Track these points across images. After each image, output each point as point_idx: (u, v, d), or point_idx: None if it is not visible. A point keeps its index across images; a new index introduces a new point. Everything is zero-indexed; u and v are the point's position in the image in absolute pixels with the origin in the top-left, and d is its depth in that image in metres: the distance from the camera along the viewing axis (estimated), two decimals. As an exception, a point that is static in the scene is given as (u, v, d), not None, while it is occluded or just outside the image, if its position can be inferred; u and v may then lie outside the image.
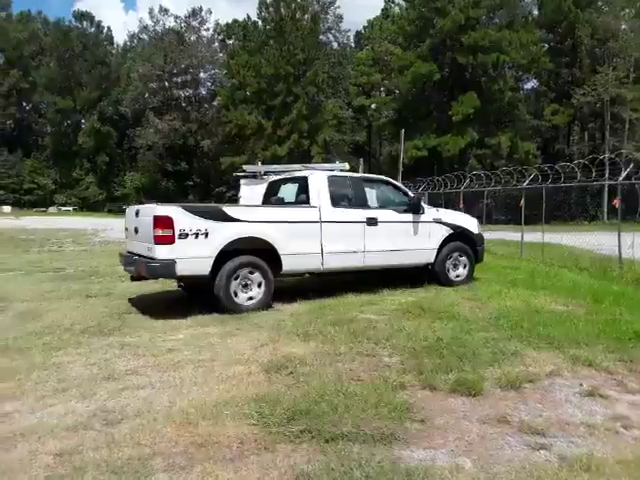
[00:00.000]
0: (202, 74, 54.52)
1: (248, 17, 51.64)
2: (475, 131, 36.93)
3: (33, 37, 56.82)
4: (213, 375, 3.91)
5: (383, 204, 7.43)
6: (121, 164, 57.24)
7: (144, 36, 56.24)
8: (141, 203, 7.22)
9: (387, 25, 51.12)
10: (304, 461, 2.62)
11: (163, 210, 5.69)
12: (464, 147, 36.97)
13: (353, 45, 57.16)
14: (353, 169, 11.72)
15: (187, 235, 5.66)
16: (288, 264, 6.30)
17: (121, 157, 58.03)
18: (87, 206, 53.55)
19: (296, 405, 3.19)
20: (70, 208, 52.04)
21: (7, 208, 46.67)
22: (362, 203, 7.03)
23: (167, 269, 5.61)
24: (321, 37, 47.36)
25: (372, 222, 6.93)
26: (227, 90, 48.31)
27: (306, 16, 44.65)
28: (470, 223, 8.06)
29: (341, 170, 11.24)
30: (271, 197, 7.79)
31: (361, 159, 20.43)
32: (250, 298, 6.06)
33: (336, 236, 6.66)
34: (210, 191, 48.86)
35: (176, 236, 5.59)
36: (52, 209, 50.90)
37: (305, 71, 42.97)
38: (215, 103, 53.17)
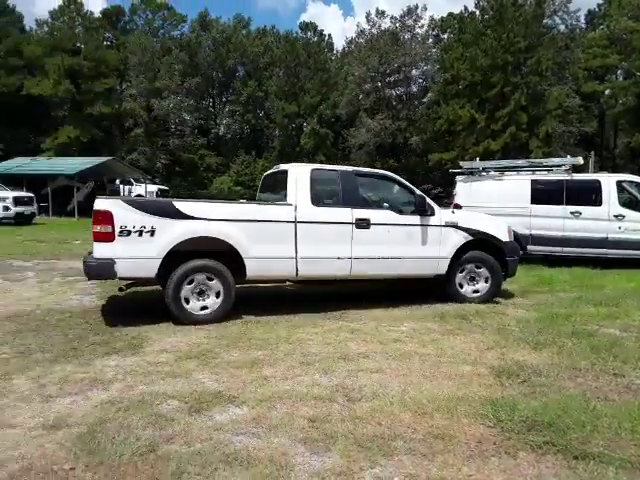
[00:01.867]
0: (414, 71, 54.94)
1: (465, 8, 50.15)
2: None
3: (267, 50, 64.60)
4: (440, 370, 3.96)
5: (380, 204, 6.39)
6: (336, 162, 61.53)
7: (360, 40, 59.12)
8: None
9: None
10: (551, 473, 2.49)
11: (102, 204, 5.08)
12: None
13: (584, 26, 50.82)
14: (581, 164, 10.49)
15: (129, 232, 5.03)
16: (253, 269, 5.53)
17: (336, 156, 62.36)
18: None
19: (536, 415, 3.03)
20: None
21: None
22: (352, 202, 5.99)
23: (104, 269, 5.00)
24: (545, 21, 43.30)
25: (363, 224, 5.92)
26: (439, 85, 47.82)
27: (529, 1, 41.33)
28: (498, 229, 6.68)
29: (572, 165, 10.20)
30: (261, 193, 7.33)
31: (592, 152, 18.12)
32: (204, 307, 5.35)
33: (315, 239, 5.75)
34: (416, 187, 49.21)
35: (116, 233, 4.99)
36: (277, 203, 57.40)
37: (526, 59, 39.88)
38: (425, 100, 53.14)
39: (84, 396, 3.39)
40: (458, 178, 11.07)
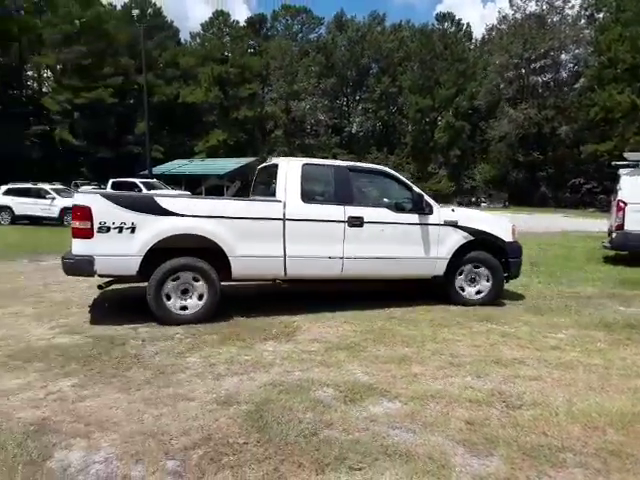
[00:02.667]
0: (563, 56, 50.34)
1: (625, -19, 44.50)
2: None
3: (401, 45, 63.89)
4: (610, 383, 3.61)
5: (375, 201, 6.08)
6: (472, 157, 58.90)
7: (502, 26, 55.70)
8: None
9: None
10: None
11: (81, 199, 5.01)
12: None
13: None
14: None
15: (109, 229, 4.86)
16: (239, 268, 5.27)
17: (472, 150, 59.70)
18: (439, 198, 57.22)
19: None
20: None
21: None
22: (345, 199, 5.64)
23: (83, 266, 4.85)
24: None
25: (356, 222, 5.58)
26: (593, 70, 43.13)
27: None
28: (500, 228, 6.30)
29: None
30: (254, 187, 6.94)
31: None
32: (185, 308, 5.12)
33: (305, 238, 5.46)
34: (564, 182, 45.08)
35: (95, 229, 4.83)
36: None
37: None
38: (577, 86, 48.31)
39: (249, 377, 3.70)
40: (622, 171, 9.87)
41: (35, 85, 52.90)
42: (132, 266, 4.94)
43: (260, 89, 57.75)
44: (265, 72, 57.00)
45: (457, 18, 63.71)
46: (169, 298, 5.07)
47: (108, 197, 5.02)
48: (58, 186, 19.30)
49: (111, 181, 20.40)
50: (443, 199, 55.69)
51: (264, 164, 6.67)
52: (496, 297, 6.23)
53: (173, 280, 5.06)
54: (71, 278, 6.13)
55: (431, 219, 5.93)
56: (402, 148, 63.86)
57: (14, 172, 33.43)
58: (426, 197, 5.95)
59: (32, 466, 2.45)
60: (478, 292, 6.18)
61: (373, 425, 2.94)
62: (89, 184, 31.08)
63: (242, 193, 27.87)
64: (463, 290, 6.15)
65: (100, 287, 5.67)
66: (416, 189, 6.00)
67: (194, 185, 26.35)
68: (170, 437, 2.76)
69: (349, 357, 4.13)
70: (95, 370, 3.76)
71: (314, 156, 57.12)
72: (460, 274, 6.11)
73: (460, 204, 51.07)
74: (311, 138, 58.23)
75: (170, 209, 5.05)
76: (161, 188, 21.28)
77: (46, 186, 18.37)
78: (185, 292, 5.14)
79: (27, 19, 47.47)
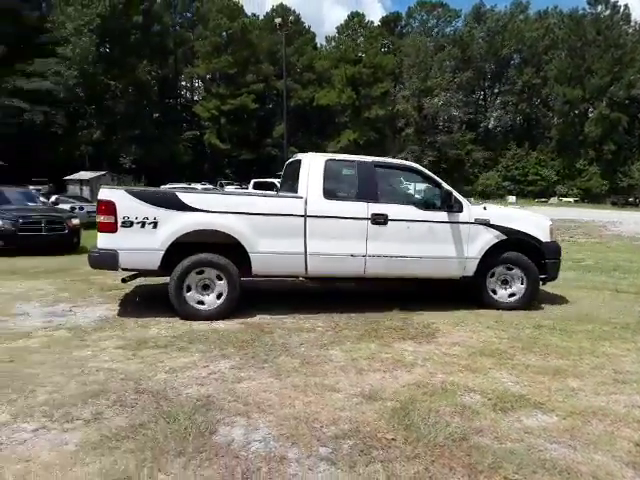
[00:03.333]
0: None
1: None
2: None
3: (547, 33, 59.09)
4: None
5: (401, 198, 5.94)
6: (629, 152, 52.46)
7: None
8: None
9: None
10: None
11: (106, 194, 5.01)
12: None
13: None
14: None
15: (132, 224, 4.94)
16: (259, 265, 5.21)
17: (629, 144, 53.18)
18: (589, 197, 52.13)
19: None
20: (571, 199, 52.01)
21: (512, 198, 51.33)
22: (370, 196, 5.49)
23: (107, 260, 4.96)
24: None
25: (379, 220, 5.43)
26: None
27: None
28: (537, 227, 5.95)
29: None
30: (282, 183, 6.81)
31: None
32: (201, 302, 5.14)
33: (327, 235, 5.34)
34: None
35: (119, 224, 4.92)
36: (553, 200, 52.33)
37: None
38: None
39: (391, 374, 3.71)
40: None
41: (187, 94, 58.72)
42: (154, 260, 5.03)
43: (392, 87, 57.55)
44: (398, 70, 56.68)
45: (612, 0, 57.18)
46: (189, 290, 5.13)
47: (131, 192, 5.12)
48: (207, 185, 21.23)
49: (253, 181, 21.85)
50: (594, 199, 50.65)
51: (290, 159, 6.57)
52: (531, 300, 5.87)
53: (197, 273, 5.14)
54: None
55: (461, 217, 5.68)
56: (546, 143, 59.19)
57: (170, 173, 37.57)
58: (455, 194, 5.67)
59: (201, 438, 2.72)
60: (511, 295, 5.85)
61: (528, 437, 2.78)
62: (232, 184, 33.66)
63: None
64: (495, 293, 5.84)
65: (124, 280, 5.72)
66: (445, 186, 5.70)
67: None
68: (320, 424, 2.88)
69: (496, 364, 3.95)
70: (249, 355, 4.06)
71: (446, 154, 55.47)
72: (492, 276, 5.80)
73: (615, 204, 45.82)
74: (443, 135, 56.57)
75: (191, 205, 5.10)
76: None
77: (198, 186, 20.33)
78: (205, 288, 5.20)
79: (181, 33, 52.90)
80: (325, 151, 48.73)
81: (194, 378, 3.58)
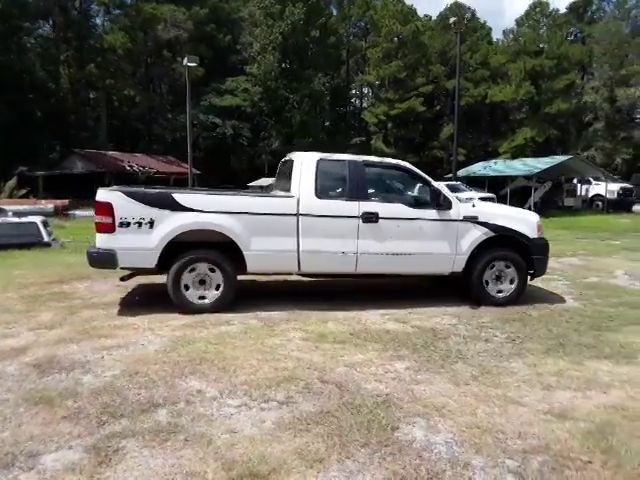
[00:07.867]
0: None
1: None
2: None
3: None
4: None
5: (392, 196, 6.00)
6: None
7: None
8: None
9: None
10: None
11: (103, 195, 5.16)
12: None
13: None
14: None
15: (129, 224, 5.11)
16: (253, 263, 5.39)
17: None
18: None
19: None
20: None
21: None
22: (360, 194, 5.60)
23: (106, 259, 5.15)
24: None
25: (370, 218, 5.51)
26: None
27: None
28: (524, 224, 5.96)
29: None
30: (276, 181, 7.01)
31: None
32: (202, 297, 5.34)
33: (319, 233, 5.46)
34: None
35: (116, 224, 5.09)
36: None
37: None
38: None
39: (583, 394, 3.40)
40: None
41: (357, 102, 60.68)
42: (151, 259, 5.19)
43: (579, 79, 51.95)
44: (587, 59, 50.98)
45: None
46: (187, 288, 5.30)
47: (128, 193, 5.24)
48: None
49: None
50: None
51: (284, 158, 6.58)
52: (519, 296, 5.94)
53: (190, 271, 5.28)
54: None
55: (449, 215, 5.77)
56: None
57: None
58: (445, 192, 5.80)
59: (383, 433, 2.83)
60: (499, 291, 5.94)
61: None
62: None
63: (551, 195, 25.63)
64: (487, 285, 5.91)
65: (122, 279, 5.85)
66: (435, 184, 5.85)
67: (497, 187, 25.57)
68: (505, 436, 2.78)
69: None
70: (424, 358, 4.08)
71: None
72: (491, 268, 5.88)
73: None
74: (641, 129, 49.13)
75: (186, 205, 5.24)
76: (464, 190, 21.60)
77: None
78: (203, 282, 5.36)
79: (354, 43, 54.85)
80: (496, 151, 46.11)
81: (372, 374, 3.73)
